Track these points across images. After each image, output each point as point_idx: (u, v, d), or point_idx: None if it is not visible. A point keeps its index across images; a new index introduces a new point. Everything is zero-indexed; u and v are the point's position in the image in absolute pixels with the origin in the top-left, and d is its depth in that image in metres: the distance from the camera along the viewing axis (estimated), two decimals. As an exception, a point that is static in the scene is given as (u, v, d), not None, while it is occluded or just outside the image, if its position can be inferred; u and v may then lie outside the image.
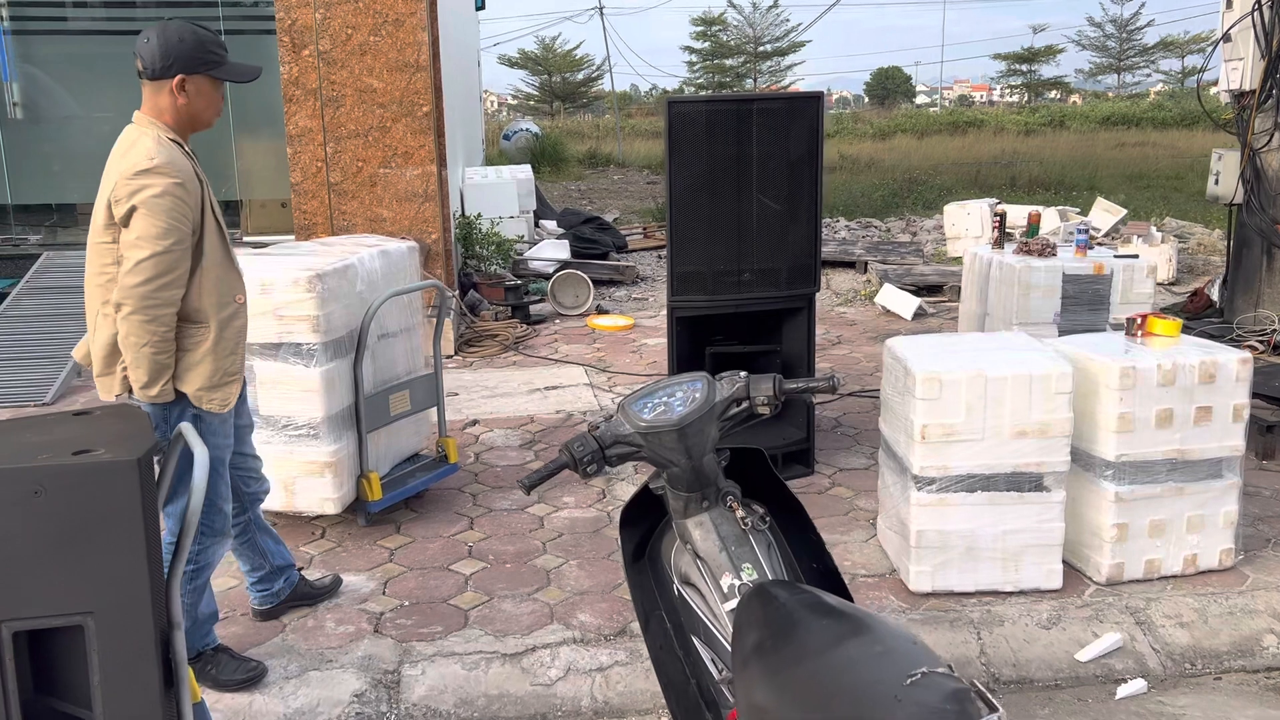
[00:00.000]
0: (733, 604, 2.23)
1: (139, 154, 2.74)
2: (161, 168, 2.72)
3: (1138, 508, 3.71)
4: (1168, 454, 3.69)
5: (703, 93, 53.16)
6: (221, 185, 8.61)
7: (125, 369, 2.84)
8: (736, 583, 2.25)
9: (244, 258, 4.08)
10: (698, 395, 2.32)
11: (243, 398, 3.29)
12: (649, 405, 2.34)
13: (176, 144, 2.84)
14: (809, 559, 2.50)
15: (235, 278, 2.98)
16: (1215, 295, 7.94)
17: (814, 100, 4.52)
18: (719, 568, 2.30)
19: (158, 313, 2.75)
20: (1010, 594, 3.70)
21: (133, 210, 2.71)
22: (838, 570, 2.46)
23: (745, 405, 2.36)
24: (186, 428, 2.55)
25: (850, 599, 2.40)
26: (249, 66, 2.95)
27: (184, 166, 2.79)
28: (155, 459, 2.75)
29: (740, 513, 2.30)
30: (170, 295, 2.76)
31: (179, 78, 2.81)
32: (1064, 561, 3.75)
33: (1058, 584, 3.71)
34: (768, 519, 2.41)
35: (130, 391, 2.87)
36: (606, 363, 7.03)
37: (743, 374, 2.37)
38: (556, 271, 9.04)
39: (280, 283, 3.85)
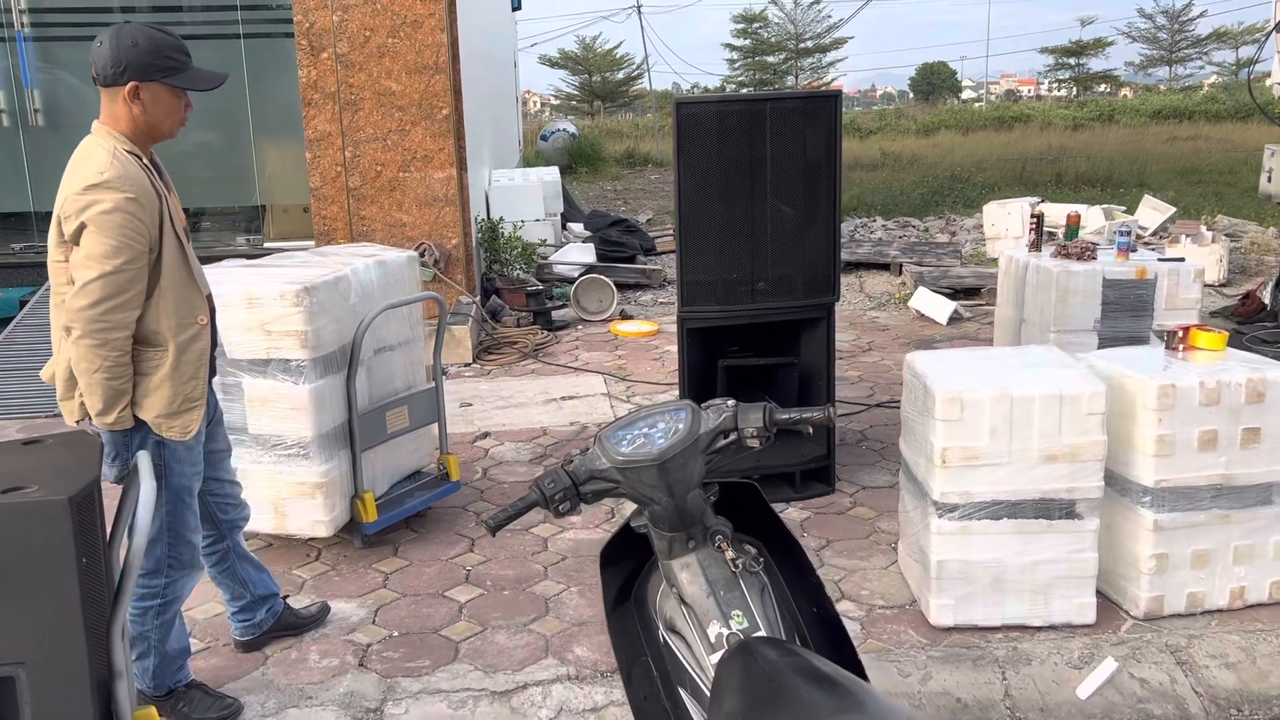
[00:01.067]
0: (720, 655, 2.01)
1: (90, 168, 2.58)
2: (113, 182, 2.56)
3: (1179, 536, 3.43)
4: (1211, 479, 3.41)
5: (744, 90, 52.80)
6: (243, 190, 8.52)
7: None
8: (725, 632, 2.03)
9: (232, 270, 3.95)
10: (681, 426, 2.10)
11: (218, 420, 3.13)
12: (628, 437, 2.13)
13: (134, 156, 2.67)
14: (808, 602, 2.27)
15: (197, 297, 2.81)
16: (1268, 298, 7.56)
17: (831, 99, 4.27)
18: (706, 615, 2.08)
19: (108, 337, 2.58)
20: (1039, 629, 3.44)
21: (82, 227, 2.55)
22: (839, 617, 2.24)
23: (733, 437, 2.14)
24: (142, 458, 2.39)
25: (852, 649, 2.19)
26: (211, 74, 2.76)
27: (139, 180, 2.62)
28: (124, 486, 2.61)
29: (730, 553, 2.09)
30: (122, 318, 2.60)
31: (131, 85, 2.63)
32: (1098, 594, 3.48)
33: (1091, 619, 3.44)
34: (761, 559, 2.19)
35: (90, 418, 2.72)
36: (627, 371, 6.83)
37: (730, 402, 2.15)
38: (581, 276, 8.85)
39: (267, 296, 3.69)
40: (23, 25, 7.93)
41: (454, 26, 7.60)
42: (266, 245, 8.30)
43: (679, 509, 2.07)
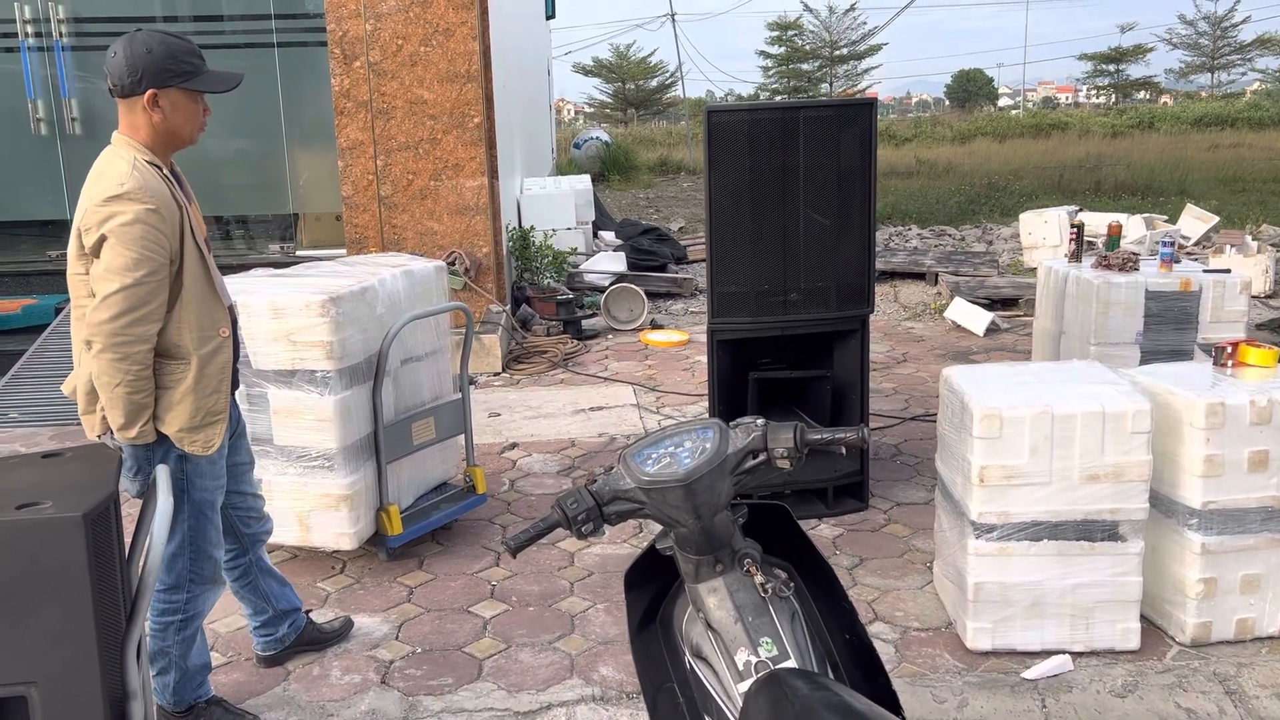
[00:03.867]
0: (748, 684, 1.93)
1: (110, 179, 2.55)
2: (133, 193, 2.52)
3: (1227, 561, 3.30)
4: (1263, 501, 3.28)
5: (778, 98, 52.61)
6: (277, 199, 8.54)
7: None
8: (754, 660, 1.95)
9: (257, 279, 3.92)
10: (708, 446, 2.03)
11: (241, 433, 3.09)
12: (653, 456, 2.05)
13: (155, 166, 2.63)
14: (840, 629, 2.18)
15: (219, 309, 2.77)
16: (1318, 310, 7.35)
17: (866, 108, 4.18)
18: (734, 641, 2.00)
19: (129, 350, 2.54)
20: (1081, 655, 3.32)
21: (102, 239, 2.52)
22: (872, 644, 2.15)
23: (763, 457, 2.06)
24: (161, 472, 2.35)
25: (885, 679, 2.10)
26: (228, 75, 2.72)
27: (159, 191, 2.58)
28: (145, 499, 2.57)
29: (759, 578, 2.01)
30: (143, 331, 2.56)
31: (150, 93, 2.60)
32: (1143, 619, 3.36)
33: (1135, 645, 3.32)
34: (792, 584, 2.11)
35: (112, 432, 2.68)
36: (656, 381, 6.76)
37: (760, 421, 2.07)
38: (611, 284, 8.80)
39: (293, 307, 3.66)
40: (61, 35, 8.01)
41: (486, 35, 7.59)
42: (299, 253, 8.32)
43: (706, 531, 2.00)
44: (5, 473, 2.31)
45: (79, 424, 6.30)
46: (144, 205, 2.53)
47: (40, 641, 2.04)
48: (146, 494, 2.51)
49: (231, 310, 2.87)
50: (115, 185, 2.53)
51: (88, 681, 2.08)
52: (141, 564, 2.21)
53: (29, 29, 8.02)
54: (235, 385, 2.93)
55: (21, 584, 2.02)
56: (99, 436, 2.73)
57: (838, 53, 54.47)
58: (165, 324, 2.63)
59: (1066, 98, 77.59)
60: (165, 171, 2.66)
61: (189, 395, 2.68)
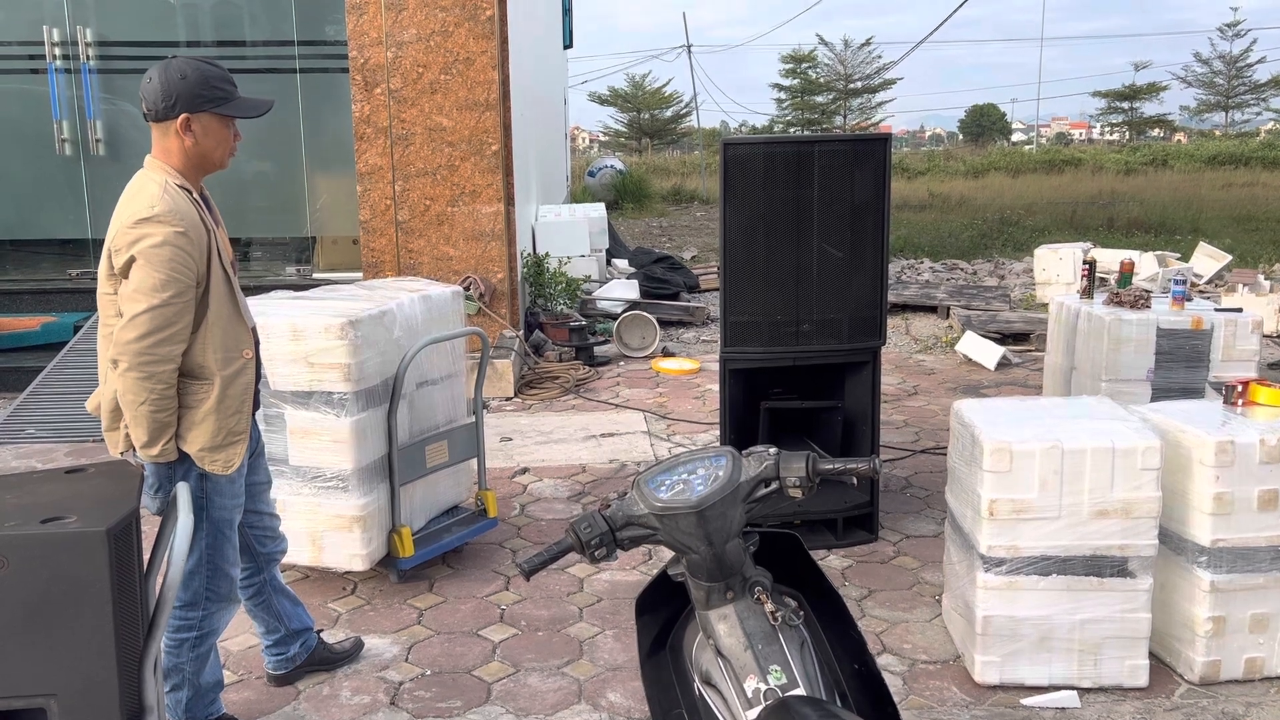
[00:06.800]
0: (757, 712, 1.95)
1: (141, 202, 2.61)
2: (163, 216, 2.58)
3: (1237, 599, 3.31)
4: (1272, 540, 3.28)
5: (792, 130, 52.90)
6: (294, 221, 8.64)
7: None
8: (763, 687, 1.97)
9: (277, 301, 3.98)
10: (721, 474, 2.05)
11: (259, 453, 3.14)
12: (666, 483, 2.08)
13: (185, 190, 2.70)
14: (849, 658, 2.20)
15: (243, 331, 2.82)
16: (1330, 350, 7.34)
17: (880, 142, 4.24)
18: (743, 668, 2.02)
19: (155, 370, 2.60)
20: (1089, 691, 3.32)
21: (131, 261, 2.57)
22: (880, 674, 2.16)
23: (775, 486, 2.08)
24: (182, 490, 2.39)
25: (894, 708, 2.11)
26: (259, 101, 2.79)
27: (189, 214, 2.64)
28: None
29: (769, 606, 2.03)
30: (169, 351, 2.61)
31: (183, 117, 2.67)
32: (1151, 656, 3.36)
33: (1143, 682, 3.32)
34: (802, 613, 2.13)
35: (134, 449, 2.73)
36: (668, 409, 6.79)
37: (773, 450, 2.10)
38: (624, 312, 8.86)
39: (312, 329, 3.71)
40: (88, 58, 8.15)
41: (505, 64, 7.69)
42: (316, 276, 8.40)
43: (717, 558, 2.02)
44: (31, 487, 2.36)
45: (95, 441, 6.36)
46: (173, 228, 2.59)
47: (62, 654, 2.08)
48: (166, 511, 2.55)
49: (254, 332, 2.92)
50: (146, 208, 2.59)
51: (106, 695, 2.11)
52: (161, 580, 2.24)
53: (57, 51, 8.17)
54: (256, 406, 2.97)
55: (45, 596, 2.05)
56: (121, 454, 2.78)
57: (852, 86, 54.79)
58: (190, 345, 2.69)
59: (1080, 134, 77.86)
60: (195, 195, 2.72)
61: (211, 415, 2.72)
